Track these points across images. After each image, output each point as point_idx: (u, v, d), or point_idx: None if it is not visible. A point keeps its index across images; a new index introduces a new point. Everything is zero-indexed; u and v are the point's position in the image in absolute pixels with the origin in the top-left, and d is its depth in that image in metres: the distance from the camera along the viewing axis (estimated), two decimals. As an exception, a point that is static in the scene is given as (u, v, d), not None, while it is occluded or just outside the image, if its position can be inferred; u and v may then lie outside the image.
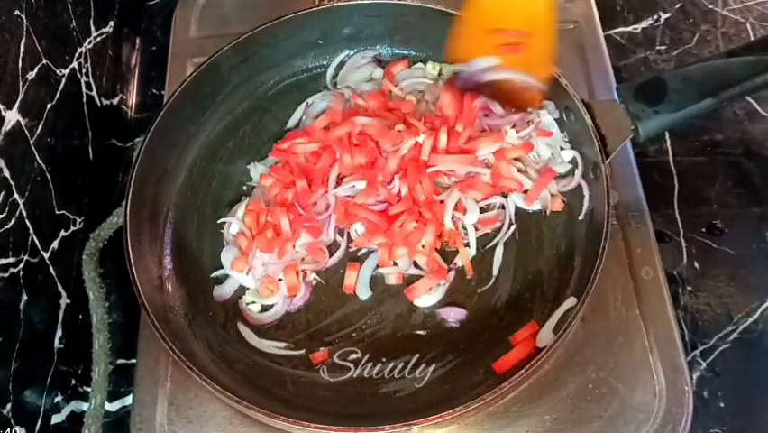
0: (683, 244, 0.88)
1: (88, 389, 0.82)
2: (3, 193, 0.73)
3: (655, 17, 1.05)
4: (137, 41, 1.12)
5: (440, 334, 0.81)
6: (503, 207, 0.86)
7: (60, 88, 0.87)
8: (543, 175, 0.85)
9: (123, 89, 1.06)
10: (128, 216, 0.79)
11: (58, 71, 0.87)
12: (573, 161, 0.86)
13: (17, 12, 0.78)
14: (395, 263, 0.84)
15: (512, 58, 0.80)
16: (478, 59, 0.81)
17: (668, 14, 1.06)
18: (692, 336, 0.82)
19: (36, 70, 0.81)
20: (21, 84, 0.77)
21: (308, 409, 0.76)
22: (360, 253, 0.86)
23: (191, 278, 0.86)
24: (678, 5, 1.06)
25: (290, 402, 0.77)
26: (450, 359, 0.79)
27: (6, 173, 0.74)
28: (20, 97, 0.77)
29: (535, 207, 0.86)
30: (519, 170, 0.87)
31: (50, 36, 0.84)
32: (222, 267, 0.85)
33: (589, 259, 0.75)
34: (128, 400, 0.83)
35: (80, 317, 0.86)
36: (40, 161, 0.81)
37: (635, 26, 1.05)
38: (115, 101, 1.03)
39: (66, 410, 0.82)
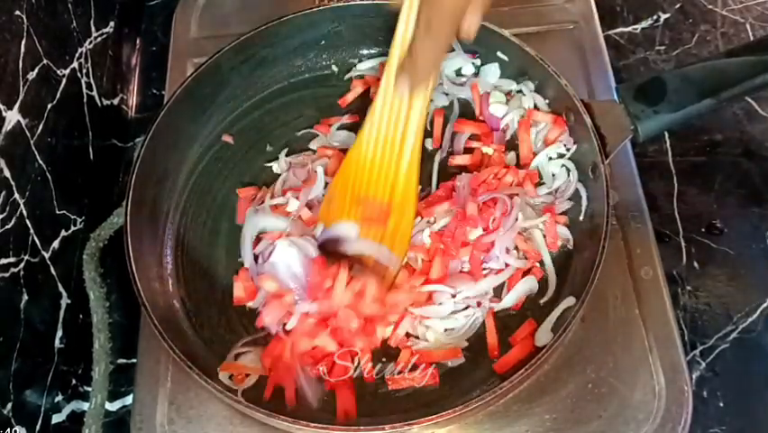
0: (683, 244, 0.88)
1: (89, 388, 0.82)
2: (3, 193, 0.73)
3: (655, 17, 1.05)
4: (137, 41, 1.12)
5: (440, 334, 0.81)
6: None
7: (61, 89, 0.87)
8: (550, 216, 0.82)
9: (124, 89, 1.06)
10: (128, 216, 0.79)
11: (58, 71, 0.87)
12: (566, 170, 0.86)
13: (17, 12, 0.78)
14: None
15: (372, 229, 0.79)
16: (340, 222, 0.80)
17: (667, 15, 1.06)
18: (692, 336, 0.82)
19: (36, 70, 0.81)
20: (21, 84, 0.77)
21: (308, 409, 0.75)
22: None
23: (192, 277, 0.86)
24: (677, 6, 1.06)
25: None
26: (450, 359, 0.79)
27: (7, 173, 0.74)
28: (20, 98, 0.77)
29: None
30: None
31: (50, 36, 0.84)
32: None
33: (589, 259, 0.75)
34: (128, 399, 0.83)
35: (81, 316, 0.87)
36: (40, 161, 0.81)
37: (634, 26, 1.05)
38: (116, 101, 1.03)
39: (66, 410, 0.82)
